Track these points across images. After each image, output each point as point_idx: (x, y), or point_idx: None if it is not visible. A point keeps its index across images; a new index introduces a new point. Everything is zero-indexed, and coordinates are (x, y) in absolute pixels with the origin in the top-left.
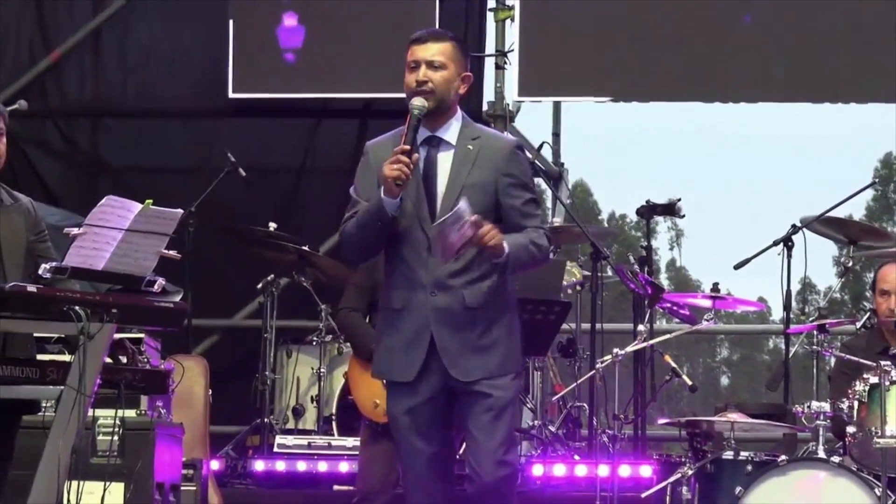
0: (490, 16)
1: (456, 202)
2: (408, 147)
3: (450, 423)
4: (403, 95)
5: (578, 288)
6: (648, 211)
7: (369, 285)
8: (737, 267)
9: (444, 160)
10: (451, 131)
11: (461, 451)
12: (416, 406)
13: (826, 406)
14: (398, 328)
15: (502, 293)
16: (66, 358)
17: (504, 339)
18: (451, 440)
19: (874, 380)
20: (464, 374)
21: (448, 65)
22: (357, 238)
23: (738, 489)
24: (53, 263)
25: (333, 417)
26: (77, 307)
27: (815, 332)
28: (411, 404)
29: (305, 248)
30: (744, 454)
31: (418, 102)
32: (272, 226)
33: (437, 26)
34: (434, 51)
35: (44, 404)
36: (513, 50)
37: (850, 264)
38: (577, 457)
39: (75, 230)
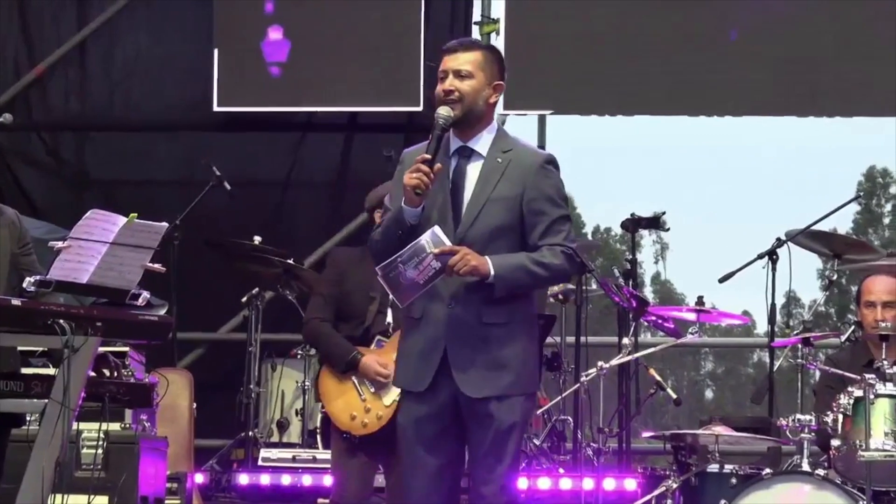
0: (475, 29)
1: (479, 215)
2: (429, 156)
3: (460, 437)
4: (388, 109)
5: (561, 297)
6: (633, 224)
7: (335, 295)
8: (721, 280)
9: (473, 171)
10: (483, 142)
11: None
12: (424, 416)
13: (811, 419)
14: (415, 337)
15: (522, 311)
16: (51, 371)
17: (518, 359)
18: (460, 456)
19: (859, 393)
20: (472, 390)
21: (476, 74)
22: (381, 246)
23: (722, 502)
24: (38, 277)
25: (318, 431)
26: (61, 320)
27: (799, 346)
28: (420, 414)
29: (290, 261)
30: (728, 467)
31: (444, 112)
32: (257, 239)
33: (422, 39)
34: (462, 60)
35: (28, 418)
36: None
37: (835, 278)
38: (561, 470)
39: (60, 243)
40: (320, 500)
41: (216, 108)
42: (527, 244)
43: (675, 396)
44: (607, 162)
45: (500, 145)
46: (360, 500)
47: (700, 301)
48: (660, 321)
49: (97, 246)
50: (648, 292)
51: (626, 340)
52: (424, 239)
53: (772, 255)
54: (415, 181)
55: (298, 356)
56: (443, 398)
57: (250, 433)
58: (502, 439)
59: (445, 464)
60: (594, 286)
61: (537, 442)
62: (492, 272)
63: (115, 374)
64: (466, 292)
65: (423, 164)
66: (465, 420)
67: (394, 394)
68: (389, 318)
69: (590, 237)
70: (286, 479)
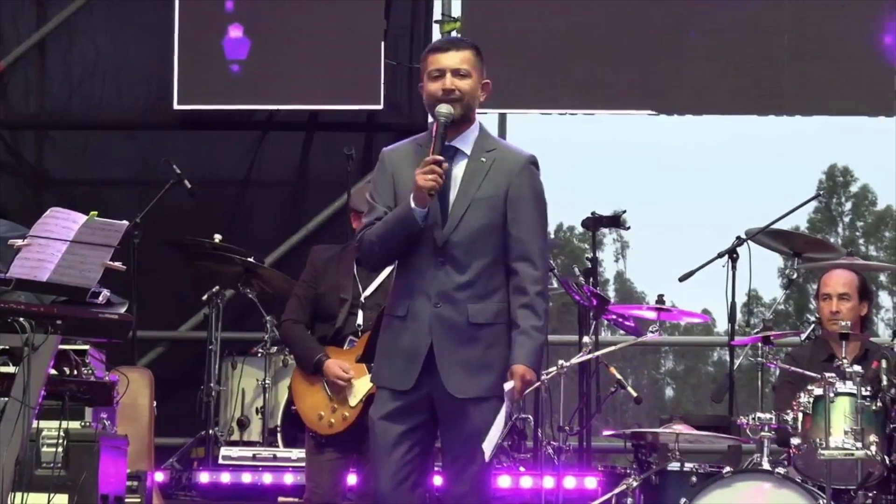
0: (436, 28)
1: (464, 215)
2: (440, 157)
3: (431, 432)
4: (349, 107)
5: None
6: (594, 223)
7: (311, 296)
8: (682, 279)
9: (458, 171)
10: (468, 142)
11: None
12: (397, 411)
13: (771, 417)
14: (400, 336)
15: (507, 312)
16: (11, 369)
17: (502, 360)
18: (429, 451)
19: (819, 391)
20: (456, 390)
21: (472, 73)
22: (380, 247)
23: (682, 501)
24: None
25: (278, 429)
26: (21, 319)
27: (759, 344)
28: (393, 409)
29: (251, 259)
30: (689, 466)
31: (445, 109)
32: (217, 237)
33: (382, 38)
34: (458, 58)
35: None
36: None
37: (795, 276)
38: (522, 468)
39: (20, 241)
40: (281, 499)
41: (176, 107)
42: (507, 242)
43: (635, 395)
44: (569, 160)
45: (484, 145)
46: (331, 497)
47: (660, 299)
48: (620, 319)
49: (57, 244)
50: (610, 291)
51: (586, 339)
52: (504, 412)
53: (732, 253)
54: (432, 182)
55: (259, 354)
56: (419, 395)
57: (210, 431)
58: (477, 440)
59: (413, 458)
60: (555, 284)
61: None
62: (535, 377)
63: (76, 372)
64: (454, 292)
65: (435, 165)
66: (440, 418)
67: (360, 394)
68: (360, 320)
69: (551, 235)
70: (247, 478)
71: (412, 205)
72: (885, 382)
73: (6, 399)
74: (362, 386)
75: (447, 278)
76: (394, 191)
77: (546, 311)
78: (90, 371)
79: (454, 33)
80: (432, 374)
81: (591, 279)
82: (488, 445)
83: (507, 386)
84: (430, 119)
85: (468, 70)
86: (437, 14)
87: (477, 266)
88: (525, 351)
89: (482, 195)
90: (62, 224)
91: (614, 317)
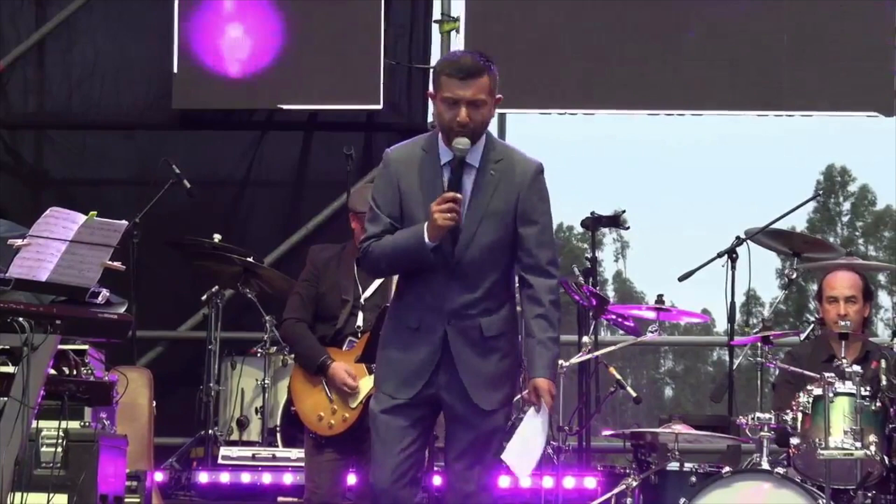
0: (435, 27)
1: (477, 230)
2: (459, 196)
3: (429, 428)
4: (348, 107)
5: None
6: (594, 222)
7: (313, 295)
8: (681, 279)
9: (466, 185)
10: (476, 154)
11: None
12: (398, 407)
13: (770, 417)
14: (413, 347)
15: (513, 320)
16: (10, 369)
17: (513, 370)
18: (425, 445)
19: (818, 391)
20: (486, 404)
21: (487, 100)
22: (387, 265)
23: (682, 500)
24: None
25: (278, 429)
26: (21, 318)
27: (759, 344)
28: (394, 405)
29: (250, 259)
30: (688, 465)
31: (462, 145)
32: (217, 237)
33: (381, 38)
34: (476, 89)
35: None
36: None
37: (794, 276)
38: None
39: (19, 241)
40: (280, 499)
41: (175, 107)
42: (516, 254)
43: (634, 395)
44: (569, 160)
45: (492, 155)
46: (331, 497)
47: (660, 299)
48: (620, 319)
49: (57, 244)
50: (609, 291)
51: (585, 339)
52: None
53: (731, 253)
54: (451, 221)
55: (258, 354)
56: (427, 393)
57: (210, 431)
58: (485, 442)
59: (414, 453)
60: None
61: None
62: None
63: (75, 372)
64: (467, 308)
65: (453, 203)
66: (448, 418)
67: (360, 396)
68: (360, 321)
69: None
70: (246, 478)
71: (426, 239)
72: (884, 382)
73: (5, 399)
74: (363, 387)
75: (459, 296)
76: (399, 197)
77: (559, 319)
78: (89, 371)
79: (453, 33)
80: (444, 375)
81: (591, 279)
82: (529, 462)
83: (543, 403)
84: (430, 119)
85: (484, 99)
86: (436, 14)
87: (488, 282)
88: (545, 362)
89: (493, 210)
90: (62, 224)
91: (614, 317)
